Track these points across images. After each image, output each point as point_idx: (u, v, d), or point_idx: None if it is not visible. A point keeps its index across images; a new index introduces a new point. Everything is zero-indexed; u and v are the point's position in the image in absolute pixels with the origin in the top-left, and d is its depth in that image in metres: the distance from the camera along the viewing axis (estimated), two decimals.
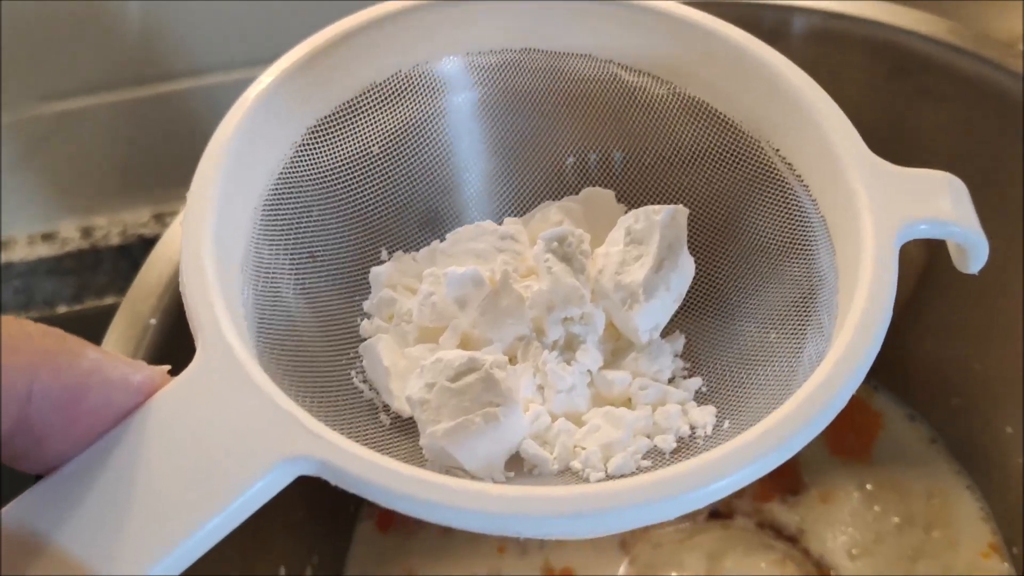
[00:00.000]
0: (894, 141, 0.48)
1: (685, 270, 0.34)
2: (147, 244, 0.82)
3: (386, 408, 0.33)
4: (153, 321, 0.39)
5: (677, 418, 0.33)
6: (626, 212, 0.37)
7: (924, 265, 0.52)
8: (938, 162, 0.46)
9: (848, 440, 0.57)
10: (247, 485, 0.24)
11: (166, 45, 0.75)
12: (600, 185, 0.37)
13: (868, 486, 0.55)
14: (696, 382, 0.34)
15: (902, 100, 0.47)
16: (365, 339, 0.35)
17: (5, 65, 0.74)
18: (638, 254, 0.33)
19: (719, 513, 0.55)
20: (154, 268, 0.40)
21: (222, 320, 0.27)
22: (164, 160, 0.83)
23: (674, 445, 0.32)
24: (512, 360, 0.33)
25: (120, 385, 0.25)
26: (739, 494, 0.54)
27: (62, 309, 0.82)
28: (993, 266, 0.46)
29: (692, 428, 0.32)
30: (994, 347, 0.51)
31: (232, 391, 0.25)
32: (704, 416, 0.33)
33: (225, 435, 0.25)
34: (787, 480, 0.56)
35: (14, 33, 0.73)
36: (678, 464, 0.26)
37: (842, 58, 0.47)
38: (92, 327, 0.43)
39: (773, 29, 0.46)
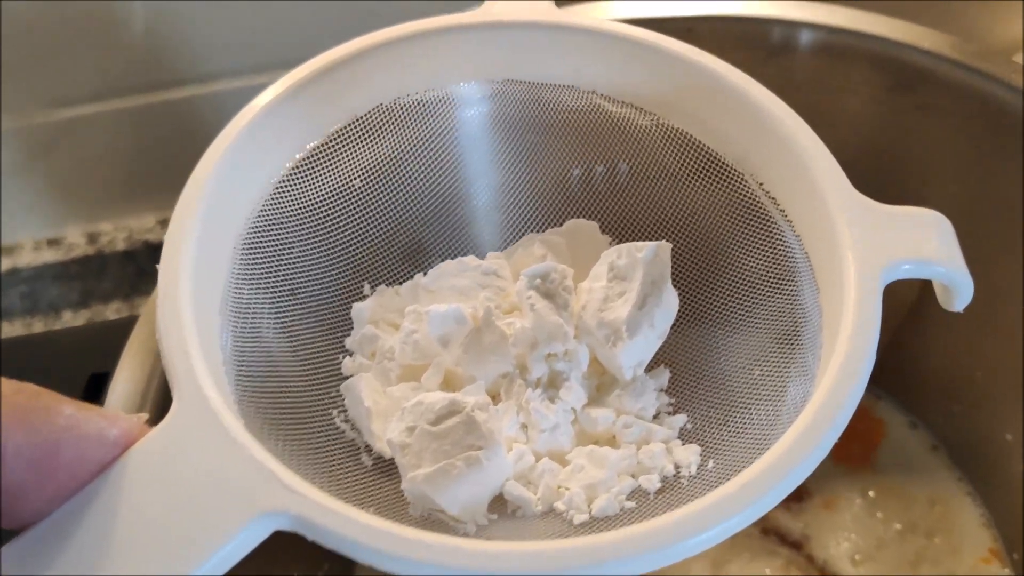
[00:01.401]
0: (896, 154, 0.48)
1: (669, 306, 0.33)
2: (153, 250, 0.82)
3: (368, 449, 0.33)
4: None
5: (662, 457, 0.32)
6: (611, 243, 0.36)
7: None
8: (939, 174, 0.47)
9: (851, 448, 0.57)
10: (222, 542, 0.24)
11: (171, 52, 0.76)
12: (584, 216, 0.37)
13: (871, 493, 0.56)
14: (681, 419, 0.34)
15: (904, 113, 0.47)
16: (347, 377, 0.34)
17: (11, 71, 0.74)
18: (621, 290, 0.33)
19: None
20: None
21: (198, 370, 0.27)
22: (170, 166, 0.83)
23: (659, 485, 0.32)
24: (495, 398, 0.33)
25: (96, 440, 0.25)
26: None
27: (67, 315, 0.82)
28: (994, 276, 0.47)
29: (677, 467, 0.32)
30: (995, 355, 0.52)
31: (208, 444, 0.25)
32: (689, 455, 0.32)
33: (201, 490, 0.24)
34: None
35: (21, 39, 0.73)
36: (659, 517, 0.26)
37: (846, 72, 0.47)
38: (102, 338, 0.44)
39: (779, 44, 0.47)
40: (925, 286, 0.52)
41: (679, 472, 0.32)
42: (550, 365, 0.33)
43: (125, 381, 0.38)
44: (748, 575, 0.53)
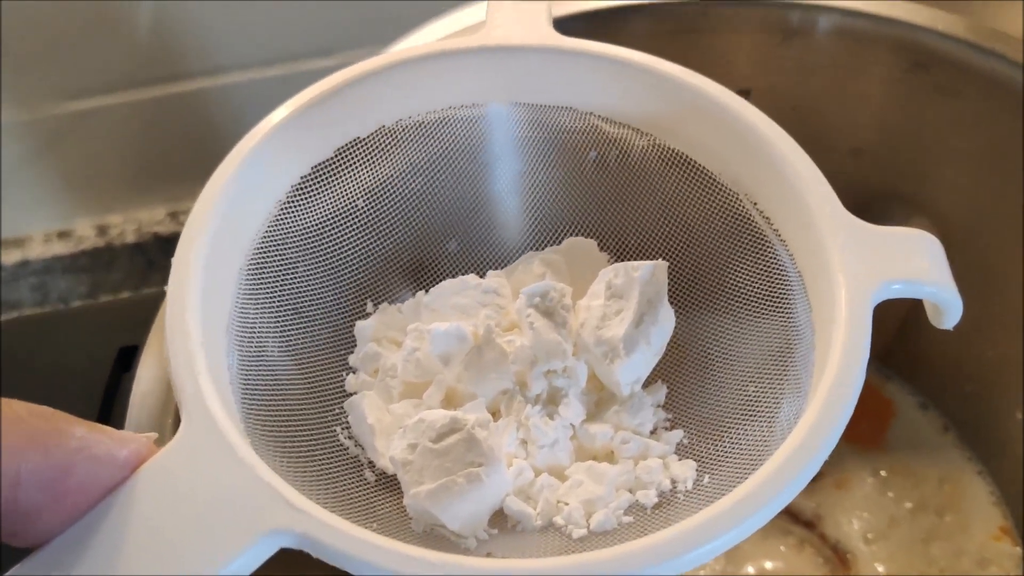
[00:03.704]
0: (912, 135, 0.49)
1: (665, 324, 0.34)
2: (162, 242, 0.82)
3: (371, 464, 0.33)
4: None
5: (658, 472, 0.33)
6: (609, 260, 0.37)
7: None
8: (955, 154, 0.48)
9: (862, 428, 0.58)
10: (229, 559, 0.25)
11: (180, 44, 0.76)
12: (583, 234, 0.38)
13: (882, 472, 0.56)
14: (678, 434, 0.34)
15: (920, 95, 0.47)
16: (351, 394, 0.35)
17: (20, 64, 0.74)
18: (618, 308, 0.33)
19: None
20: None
21: (206, 390, 0.27)
22: (179, 158, 0.83)
23: (655, 500, 0.32)
24: (495, 414, 0.33)
25: (106, 462, 0.25)
26: None
27: (77, 306, 0.82)
28: (1006, 256, 0.48)
29: (673, 482, 0.33)
30: (1005, 334, 0.52)
31: (215, 464, 0.26)
32: (685, 471, 0.33)
33: (208, 509, 0.25)
34: None
35: (30, 32, 0.73)
36: (657, 533, 0.26)
37: (863, 55, 0.47)
38: (108, 319, 0.44)
39: (796, 27, 0.48)
40: None
41: (675, 487, 0.32)
42: (549, 381, 0.34)
43: (154, 355, 0.39)
44: (761, 554, 0.54)
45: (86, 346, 0.43)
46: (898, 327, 0.57)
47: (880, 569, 0.53)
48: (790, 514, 0.55)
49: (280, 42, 0.78)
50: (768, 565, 0.54)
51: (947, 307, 0.30)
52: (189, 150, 0.83)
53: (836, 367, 0.28)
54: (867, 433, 0.58)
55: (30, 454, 0.24)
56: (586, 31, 0.48)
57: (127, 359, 0.42)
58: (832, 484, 0.56)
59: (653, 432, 0.35)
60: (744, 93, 0.50)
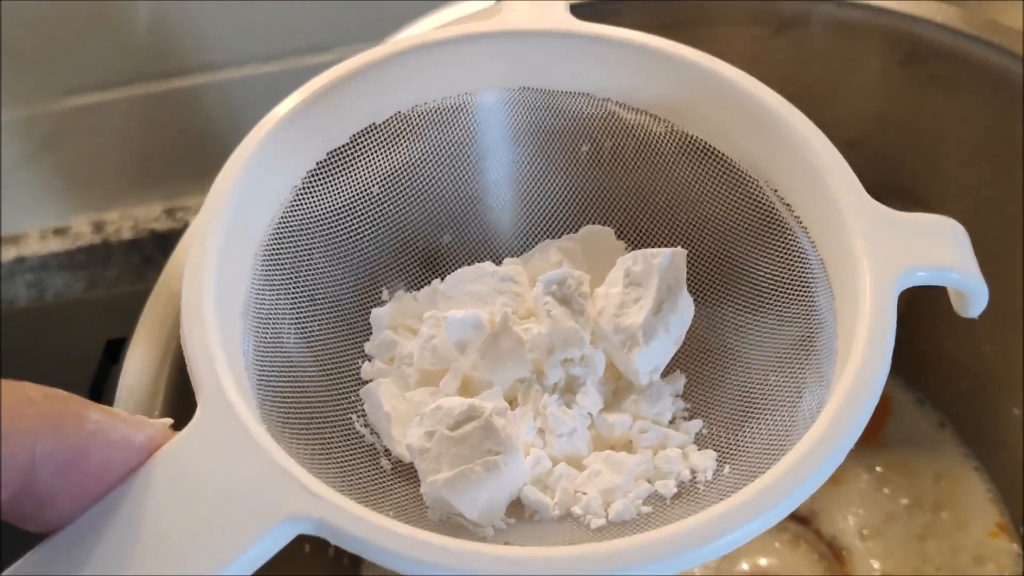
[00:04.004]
0: (909, 126, 0.49)
1: (684, 312, 0.34)
2: (158, 239, 0.82)
3: (387, 452, 0.33)
4: None
5: (678, 462, 0.32)
6: (626, 249, 0.37)
7: None
8: (953, 146, 0.48)
9: None
10: (247, 545, 0.24)
11: (178, 41, 0.76)
12: (599, 222, 0.37)
13: (878, 468, 0.56)
14: (697, 424, 0.34)
15: (916, 86, 0.47)
16: (366, 381, 0.35)
17: (18, 61, 0.74)
18: (637, 296, 0.33)
19: None
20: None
21: (222, 376, 0.27)
22: (176, 155, 0.83)
23: (675, 490, 0.32)
24: (512, 403, 0.33)
25: (122, 446, 0.25)
26: None
27: (66, 299, 0.82)
28: (1004, 251, 0.48)
29: (693, 472, 0.32)
30: (1002, 331, 0.52)
31: (232, 450, 0.25)
32: (705, 460, 0.33)
33: (225, 495, 0.25)
34: None
35: (26, 29, 0.73)
36: (676, 523, 0.26)
37: (858, 46, 0.47)
38: (97, 312, 0.44)
39: (791, 18, 0.47)
40: None
41: (695, 477, 0.32)
42: (567, 370, 0.33)
43: (142, 348, 0.39)
44: (757, 550, 0.54)
45: (74, 339, 0.43)
46: (896, 322, 0.57)
47: (876, 566, 0.53)
48: None
49: (277, 38, 0.78)
50: (763, 562, 0.53)
51: (973, 294, 0.30)
52: (186, 147, 0.83)
53: (861, 356, 0.27)
54: (864, 430, 0.57)
55: (45, 437, 0.24)
56: None
57: (115, 351, 0.42)
58: (828, 480, 0.56)
59: (672, 422, 0.34)
60: None
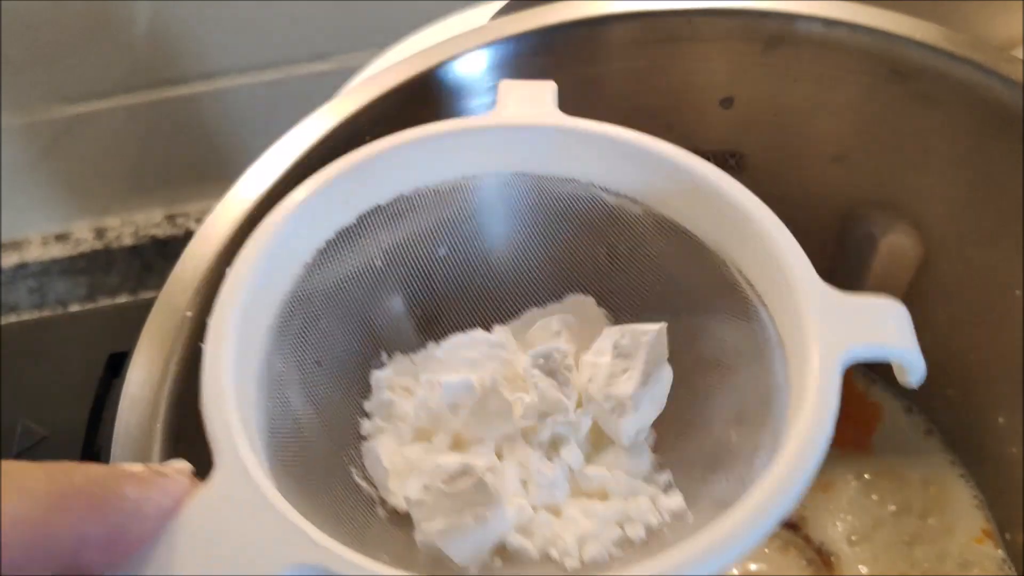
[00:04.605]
0: (893, 144, 0.50)
1: (666, 380, 0.37)
2: (159, 245, 0.83)
3: (382, 502, 0.36)
4: (189, 314, 0.40)
5: (647, 510, 0.35)
6: (607, 316, 0.40)
7: (921, 258, 0.54)
8: (937, 163, 0.48)
9: (847, 432, 0.58)
10: None
11: (178, 49, 0.76)
12: (581, 290, 0.41)
13: (866, 475, 0.57)
14: (666, 476, 0.37)
15: (899, 104, 0.48)
16: (365, 437, 0.38)
17: (18, 68, 0.75)
18: (625, 367, 0.36)
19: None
20: (189, 262, 0.42)
21: (238, 441, 0.30)
22: (177, 162, 0.84)
23: (643, 535, 0.35)
24: (499, 456, 0.36)
25: (155, 516, 0.27)
26: None
27: (75, 309, 0.83)
28: (990, 262, 0.48)
29: (660, 518, 0.35)
30: (989, 339, 0.53)
31: (245, 506, 0.28)
32: (671, 505, 0.35)
33: (239, 545, 0.28)
34: None
35: (27, 36, 0.74)
36: (642, 562, 0.29)
37: (841, 63, 0.48)
38: (106, 323, 0.45)
39: (776, 36, 0.48)
40: (919, 272, 0.53)
41: (662, 523, 0.35)
42: (552, 429, 0.37)
43: (143, 361, 0.40)
44: (747, 556, 0.55)
45: (78, 352, 0.44)
46: None
47: (864, 571, 0.54)
48: None
49: (276, 47, 0.78)
50: (753, 567, 0.54)
51: (911, 368, 0.33)
52: (186, 154, 0.84)
53: (807, 423, 0.30)
54: (852, 436, 0.58)
55: (90, 523, 0.26)
56: (572, 40, 0.49)
57: (117, 365, 0.43)
58: (817, 487, 0.57)
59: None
60: (727, 101, 0.51)
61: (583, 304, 0.40)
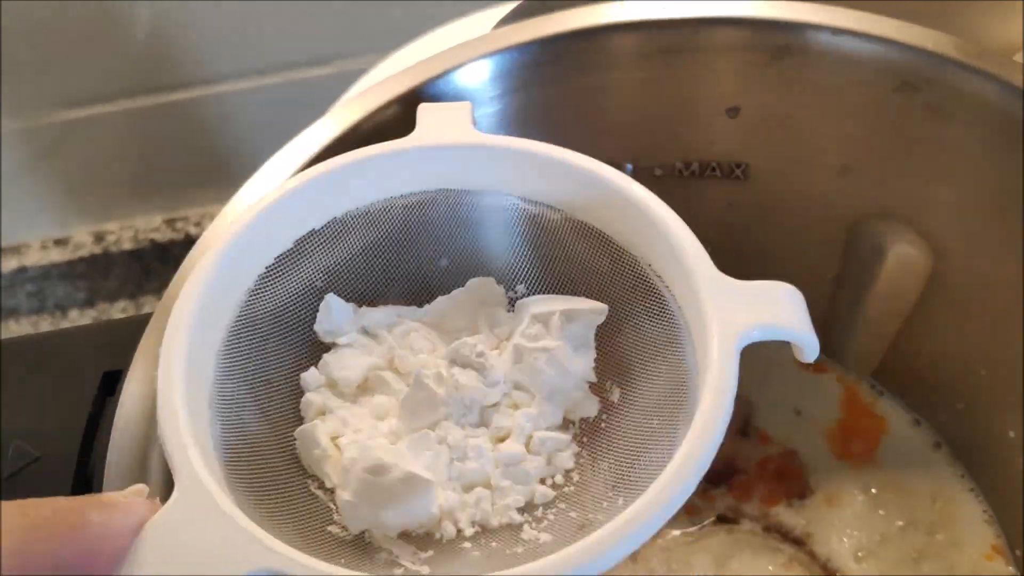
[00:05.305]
0: (902, 154, 0.49)
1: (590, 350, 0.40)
2: (158, 249, 0.82)
3: (336, 510, 0.37)
4: None
5: (569, 460, 0.38)
6: (506, 294, 0.42)
7: (929, 270, 0.53)
8: (945, 173, 0.48)
9: (853, 445, 0.58)
10: None
11: (178, 54, 0.76)
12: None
13: (873, 489, 0.56)
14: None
15: (908, 115, 0.47)
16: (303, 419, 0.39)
17: (18, 72, 0.75)
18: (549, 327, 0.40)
19: (725, 518, 0.56)
20: (193, 265, 0.41)
21: (194, 460, 0.32)
22: (175, 166, 0.84)
23: (563, 483, 0.38)
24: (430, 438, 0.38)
25: (121, 536, 0.30)
26: (746, 499, 0.56)
27: (74, 313, 0.82)
28: (998, 273, 0.48)
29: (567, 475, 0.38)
30: (998, 352, 0.52)
31: (204, 518, 0.31)
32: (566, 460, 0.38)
33: (200, 556, 0.30)
34: (793, 484, 0.57)
35: (27, 41, 0.74)
36: (575, 543, 0.31)
37: (851, 73, 0.47)
38: (101, 340, 0.45)
39: (787, 45, 0.48)
40: (928, 284, 0.53)
41: (573, 476, 0.38)
42: (478, 412, 0.39)
43: (138, 380, 0.40)
44: (750, 573, 0.54)
45: (71, 370, 0.43)
46: (891, 343, 0.57)
47: None
48: (779, 531, 0.55)
49: (277, 51, 0.78)
50: None
51: (804, 346, 0.35)
52: (186, 158, 0.83)
53: (709, 402, 0.33)
54: (858, 450, 0.58)
55: (64, 546, 0.28)
56: (577, 49, 0.48)
57: (111, 384, 0.43)
58: (822, 501, 0.56)
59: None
60: (733, 111, 0.50)
61: (486, 284, 0.42)
